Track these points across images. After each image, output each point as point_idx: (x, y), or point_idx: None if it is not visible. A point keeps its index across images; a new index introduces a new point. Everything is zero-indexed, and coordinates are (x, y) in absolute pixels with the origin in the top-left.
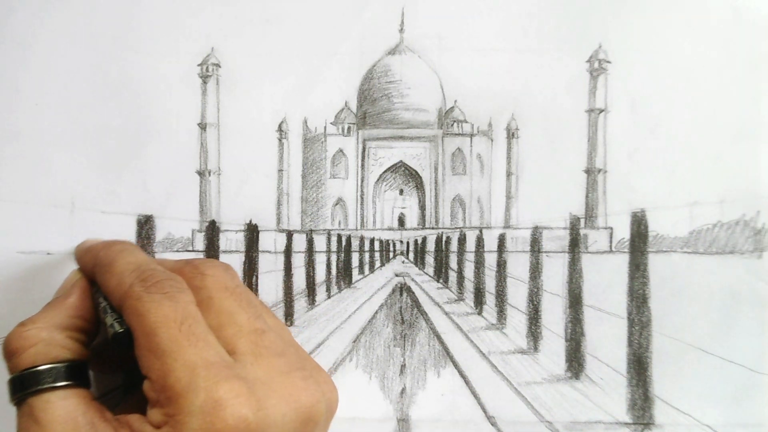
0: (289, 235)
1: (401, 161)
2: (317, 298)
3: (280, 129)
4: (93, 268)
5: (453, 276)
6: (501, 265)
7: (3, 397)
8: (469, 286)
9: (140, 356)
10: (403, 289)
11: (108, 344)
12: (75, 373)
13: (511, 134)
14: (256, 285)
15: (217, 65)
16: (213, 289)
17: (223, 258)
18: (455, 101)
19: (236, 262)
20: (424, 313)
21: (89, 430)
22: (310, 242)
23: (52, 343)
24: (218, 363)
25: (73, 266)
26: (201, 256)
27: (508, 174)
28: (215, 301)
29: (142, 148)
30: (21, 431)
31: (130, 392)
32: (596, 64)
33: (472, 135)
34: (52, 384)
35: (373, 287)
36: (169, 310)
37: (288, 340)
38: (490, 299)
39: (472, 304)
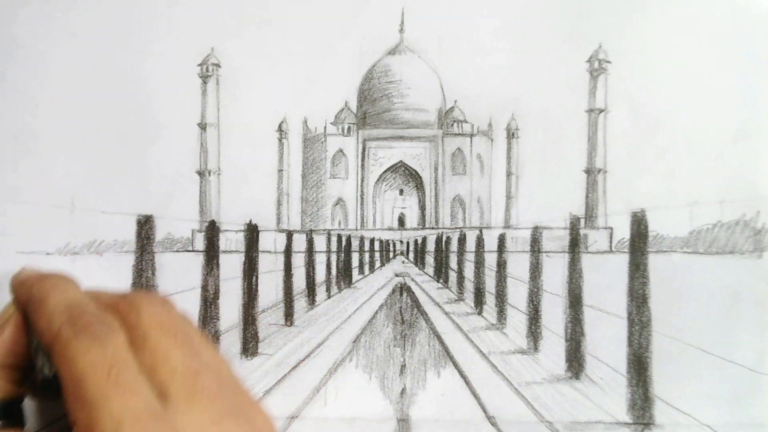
0: (289, 235)
1: (401, 161)
2: (317, 298)
3: (280, 129)
4: (26, 303)
5: (453, 276)
6: (501, 265)
7: None
8: (469, 286)
9: (68, 404)
10: (403, 289)
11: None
12: (7, 413)
13: (511, 134)
14: (256, 285)
15: (217, 65)
16: (148, 327)
17: (223, 258)
18: (455, 101)
19: (236, 262)
20: (424, 313)
21: None
22: (310, 242)
23: None
24: (146, 414)
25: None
26: (201, 256)
27: (508, 174)
28: (150, 340)
29: (142, 148)
30: None
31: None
32: (596, 64)
33: (472, 135)
34: None
35: (373, 287)
36: (97, 356)
37: (225, 378)
38: (490, 299)
39: (472, 304)
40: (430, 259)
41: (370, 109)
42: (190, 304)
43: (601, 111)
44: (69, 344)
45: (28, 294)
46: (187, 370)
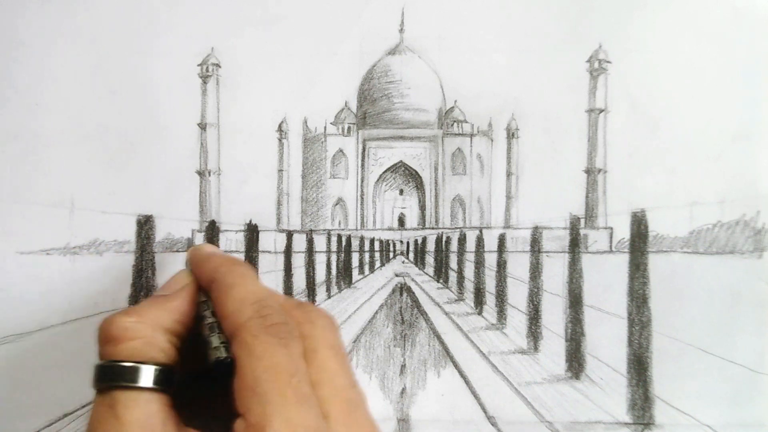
0: (289, 235)
1: (401, 161)
2: (317, 298)
3: (280, 129)
4: (209, 281)
5: (453, 276)
6: (501, 265)
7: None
8: (469, 286)
9: (240, 393)
10: (403, 289)
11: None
12: (163, 378)
13: (511, 134)
14: None
15: (217, 65)
16: (320, 343)
17: None
18: (455, 101)
19: None
20: (424, 313)
21: None
22: (310, 242)
23: (152, 343)
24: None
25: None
26: None
27: (508, 174)
28: (319, 356)
29: (142, 148)
30: (97, 419)
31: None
32: (596, 64)
33: (472, 135)
34: (141, 384)
35: (373, 287)
36: (283, 359)
37: (370, 415)
38: (490, 299)
39: (472, 304)
40: (430, 259)
41: (370, 109)
42: None
43: (601, 111)
44: (257, 339)
45: (213, 274)
46: (348, 395)
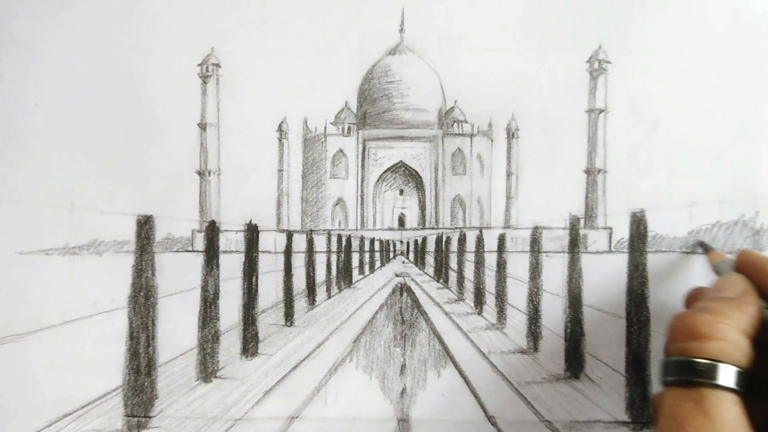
0: (289, 235)
1: (401, 161)
2: (317, 298)
3: (280, 129)
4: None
5: (453, 276)
6: (501, 265)
7: None
8: (469, 286)
9: None
10: (403, 289)
11: None
12: (742, 382)
13: (511, 134)
14: (256, 285)
15: (217, 65)
16: None
17: (223, 258)
18: (455, 101)
19: (236, 262)
20: (424, 313)
21: None
22: (310, 242)
23: (738, 346)
24: None
25: None
26: (201, 256)
27: (508, 174)
28: None
29: (142, 148)
30: (682, 413)
31: None
32: (596, 65)
33: (472, 135)
34: (730, 385)
35: (373, 287)
36: None
37: None
38: (490, 299)
39: (472, 304)
40: (430, 259)
41: (370, 109)
42: (190, 304)
43: (601, 111)
44: None
45: None
46: None
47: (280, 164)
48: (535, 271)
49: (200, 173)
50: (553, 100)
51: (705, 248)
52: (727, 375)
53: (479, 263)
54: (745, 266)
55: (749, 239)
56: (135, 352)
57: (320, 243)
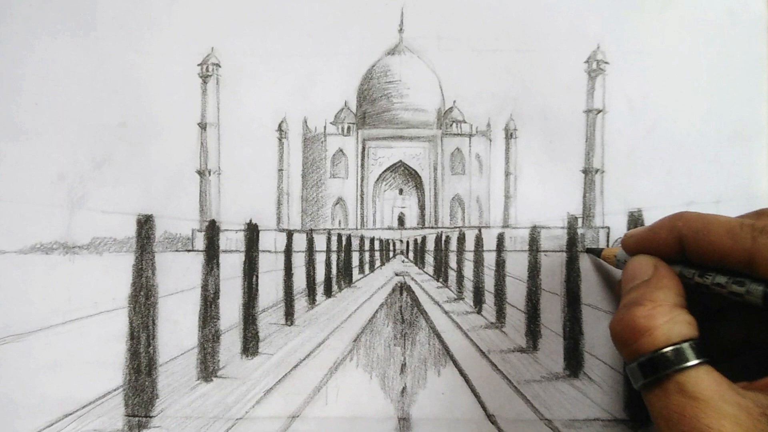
0: (289, 234)
1: (401, 161)
2: (317, 298)
3: (280, 129)
4: (676, 241)
5: (452, 275)
6: (500, 264)
7: None
8: (468, 285)
9: None
10: (403, 288)
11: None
12: (701, 350)
13: (509, 134)
14: (256, 285)
15: (217, 65)
16: None
17: (223, 257)
18: (454, 101)
19: (236, 261)
20: (424, 312)
21: (738, 398)
22: (310, 242)
23: (679, 321)
24: None
25: None
26: (201, 255)
27: (507, 174)
28: None
29: (142, 147)
30: (672, 409)
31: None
32: (594, 65)
33: (471, 135)
34: (691, 362)
35: (373, 286)
36: None
37: None
38: (489, 298)
39: (472, 303)
40: (429, 259)
41: (370, 109)
42: (190, 304)
43: (599, 111)
44: None
45: (685, 230)
46: None
47: (280, 164)
48: (534, 270)
49: (200, 173)
50: (552, 100)
51: (595, 252)
52: (686, 353)
53: (478, 262)
54: (634, 245)
55: None
56: (135, 351)
57: (320, 242)
